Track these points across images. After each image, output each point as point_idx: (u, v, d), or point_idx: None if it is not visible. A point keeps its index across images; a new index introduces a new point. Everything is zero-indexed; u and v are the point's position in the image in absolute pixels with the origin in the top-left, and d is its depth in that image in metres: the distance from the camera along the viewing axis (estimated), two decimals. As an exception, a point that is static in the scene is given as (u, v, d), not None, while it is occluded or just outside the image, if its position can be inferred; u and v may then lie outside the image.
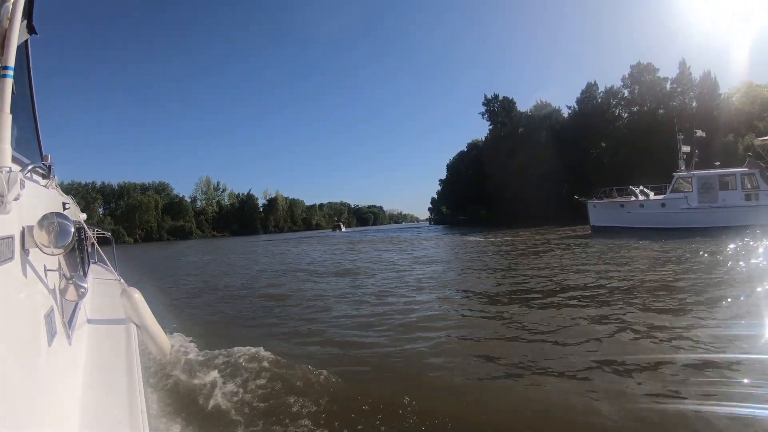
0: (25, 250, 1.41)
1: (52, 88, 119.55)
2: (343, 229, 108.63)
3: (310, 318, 7.64)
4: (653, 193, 26.23)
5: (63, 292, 1.69)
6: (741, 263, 10.50)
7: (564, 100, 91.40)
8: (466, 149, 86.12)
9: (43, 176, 2.22)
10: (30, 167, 1.70)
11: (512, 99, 71.19)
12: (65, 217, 1.44)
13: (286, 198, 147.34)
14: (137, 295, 2.14)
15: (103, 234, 6.28)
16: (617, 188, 28.27)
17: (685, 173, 24.32)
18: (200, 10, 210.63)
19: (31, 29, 2.16)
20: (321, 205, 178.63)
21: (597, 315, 6.44)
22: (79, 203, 5.14)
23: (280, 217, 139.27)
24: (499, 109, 71.21)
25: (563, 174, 56.90)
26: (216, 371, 4.54)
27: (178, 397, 4.03)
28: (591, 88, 61.91)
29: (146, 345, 2.22)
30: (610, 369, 4.35)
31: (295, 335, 6.54)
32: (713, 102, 49.69)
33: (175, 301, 10.35)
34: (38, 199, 1.87)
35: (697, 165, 25.04)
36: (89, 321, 2.37)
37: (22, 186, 1.34)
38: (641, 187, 26.94)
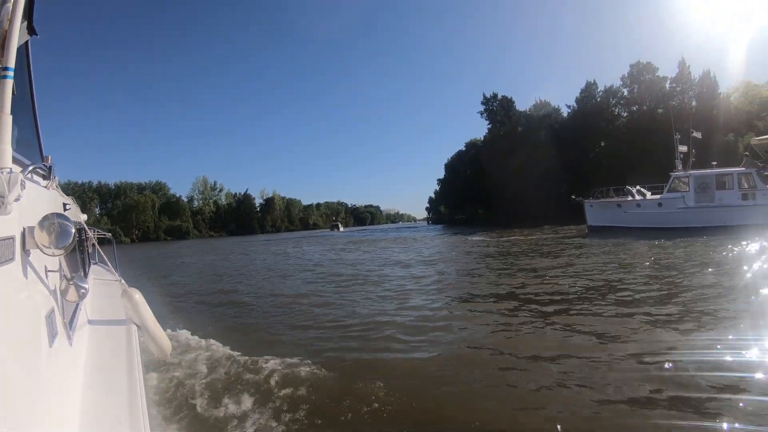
0: (25, 251, 1.41)
1: (52, 88, 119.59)
2: (341, 229, 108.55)
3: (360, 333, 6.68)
4: (650, 193, 26.27)
5: (64, 292, 1.68)
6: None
7: (563, 99, 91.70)
8: (464, 149, 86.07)
9: (44, 177, 2.21)
10: (30, 168, 1.70)
11: (511, 98, 71.13)
12: (66, 218, 1.44)
13: (283, 198, 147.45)
14: (138, 295, 2.13)
15: (104, 235, 6.27)
16: (614, 188, 28.27)
17: (681, 173, 24.38)
18: (200, 10, 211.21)
19: (31, 30, 2.16)
20: (318, 205, 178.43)
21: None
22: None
23: (277, 216, 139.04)
24: (497, 108, 71.04)
25: (562, 173, 56.87)
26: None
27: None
28: (590, 87, 61.94)
29: (147, 346, 2.22)
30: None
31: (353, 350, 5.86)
32: (713, 101, 49.73)
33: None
34: (39, 199, 1.86)
35: (697, 165, 25.10)
36: (90, 322, 2.37)
37: (23, 187, 1.33)
38: (638, 187, 26.97)
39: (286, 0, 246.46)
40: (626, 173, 38.44)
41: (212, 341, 6.14)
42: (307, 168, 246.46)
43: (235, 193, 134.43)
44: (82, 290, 1.71)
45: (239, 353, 5.58)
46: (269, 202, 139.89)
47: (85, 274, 3.70)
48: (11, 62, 1.52)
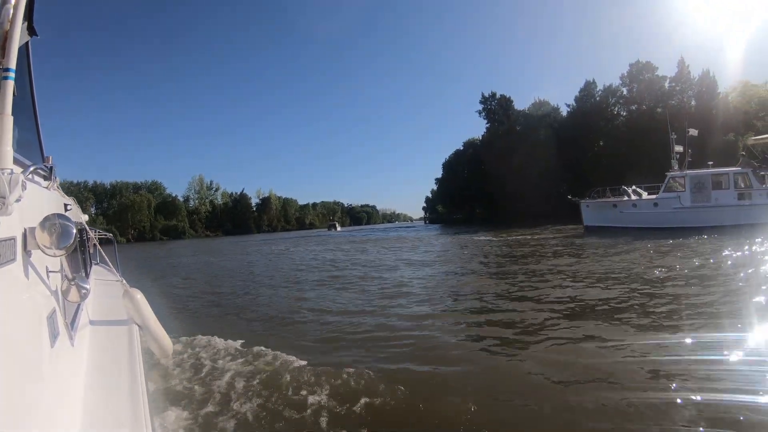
0: (27, 252, 1.41)
1: (52, 89, 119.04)
2: (339, 229, 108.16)
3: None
4: (646, 193, 26.37)
5: (65, 293, 1.69)
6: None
7: (562, 98, 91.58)
8: (462, 148, 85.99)
9: (45, 178, 2.22)
10: (31, 169, 1.69)
11: (509, 97, 71.35)
12: (67, 219, 1.44)
13: (279, 197, 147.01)
14: (139, 295, 2.14)
15: (105, 235, 6.27)
16: (610, 188, 28.37)
17: (677, 173, 24.44)
18: (200, 10, 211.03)
19: (31, 31, 2.16)
20: (314, 205, 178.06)
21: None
22: (71, 203, 5.14)
23: (274, 216, 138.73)
24: (496, 108, 71.20)
25: (562, 172, 56.98)
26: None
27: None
28: (589, 86, 62.00)
29: (148, 346, 2.22)
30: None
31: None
32: (712, 101, 49.83)
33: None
34: (40, 200, 1.87)
35: (695, 164, 25.13)
36: (91, 322, 2.38)
37: (24, 187, 1.33)
38: (634, 187, 27.07)
39: (286, 0, 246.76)
40: (625, 172, 38.52)
41: (232, 342, 6.08)
42: (304, 168, 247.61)
43: (232, 193, 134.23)
44: (84, 290, 1.71)
45: (240, 345, 5.57)
46: (265, 202, 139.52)
47: (87, 275, 3.69)
48: (12, 63, 1.52)
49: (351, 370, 4.65)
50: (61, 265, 1.99)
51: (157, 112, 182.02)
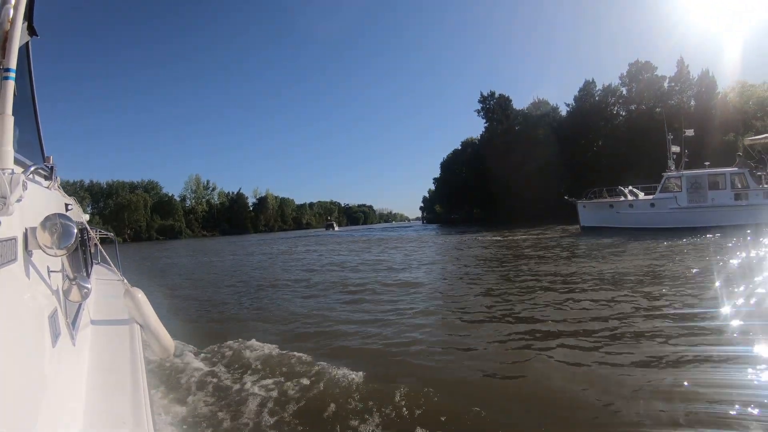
0: (27, 252, 1.41)
1: (51, 89, 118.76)
2: (336, 228, 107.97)
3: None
4: (643, 193, 26.36)
5: (66, 292, 1.69)
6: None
7: (562, 98, 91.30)
8: (460, 147, 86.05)
9: (45, 177, 2.21)
10: (32, 168, 1.69)
11: (508, 96, 71.24)
12: (68, 218, 1.44)
13: (276, 197, 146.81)
14: (140, 295, 2.14)
15: (106, 235, 6.25)
16: (607, 188, 28.42)
17: (674, 173, 24.50)
18: (200, 10, 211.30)
19: (31, 31, 2.15)
20: (311, 204, 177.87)
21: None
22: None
23: (271, 216, 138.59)
24: (494, 107, 70.99)
25: (561, 172, 56.61)
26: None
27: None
28: (589, 86, 61.77)
29: (150, 345, 2.22)
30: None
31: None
32: (711, 101, 49.81)
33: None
34: (40, 200, 1.86)
35: (693, 165, 25.17)
36: (93, 321, 2.38)
37: (25, 187, 1.34)
38: (630, 187, 27.09)
39: (286, 0, 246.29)
40: (625, 172, 38.55)
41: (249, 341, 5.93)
42: (301, 168, 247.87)
43: (228, 193, 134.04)
44: (85, 290, 1.71)
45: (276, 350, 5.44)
46: (262, 202, 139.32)
47: (88, 274, 3.69)
48: (12, 63, 1.51)
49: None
50: (63, 265, 1.99)
51: (155, 111, 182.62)
